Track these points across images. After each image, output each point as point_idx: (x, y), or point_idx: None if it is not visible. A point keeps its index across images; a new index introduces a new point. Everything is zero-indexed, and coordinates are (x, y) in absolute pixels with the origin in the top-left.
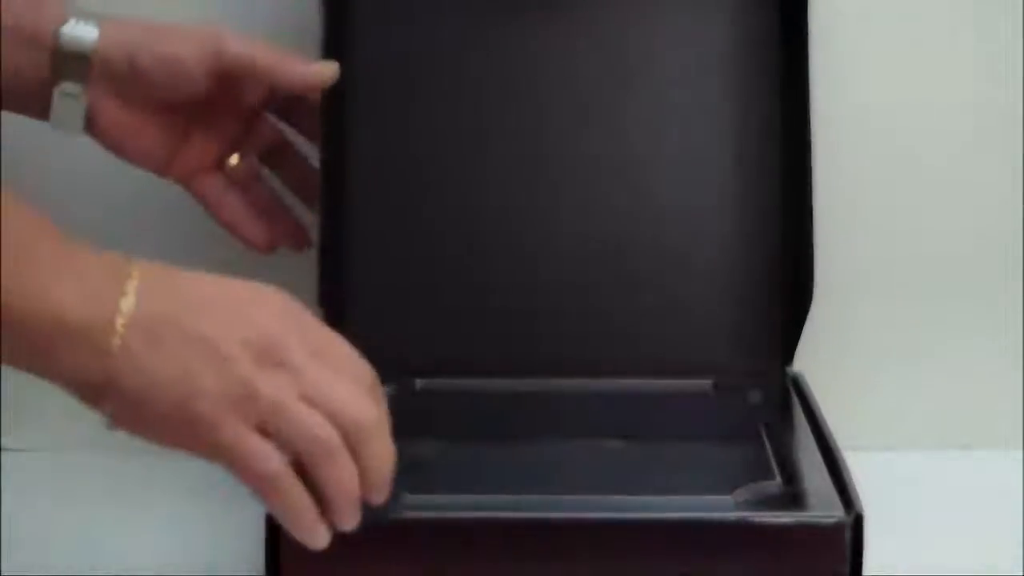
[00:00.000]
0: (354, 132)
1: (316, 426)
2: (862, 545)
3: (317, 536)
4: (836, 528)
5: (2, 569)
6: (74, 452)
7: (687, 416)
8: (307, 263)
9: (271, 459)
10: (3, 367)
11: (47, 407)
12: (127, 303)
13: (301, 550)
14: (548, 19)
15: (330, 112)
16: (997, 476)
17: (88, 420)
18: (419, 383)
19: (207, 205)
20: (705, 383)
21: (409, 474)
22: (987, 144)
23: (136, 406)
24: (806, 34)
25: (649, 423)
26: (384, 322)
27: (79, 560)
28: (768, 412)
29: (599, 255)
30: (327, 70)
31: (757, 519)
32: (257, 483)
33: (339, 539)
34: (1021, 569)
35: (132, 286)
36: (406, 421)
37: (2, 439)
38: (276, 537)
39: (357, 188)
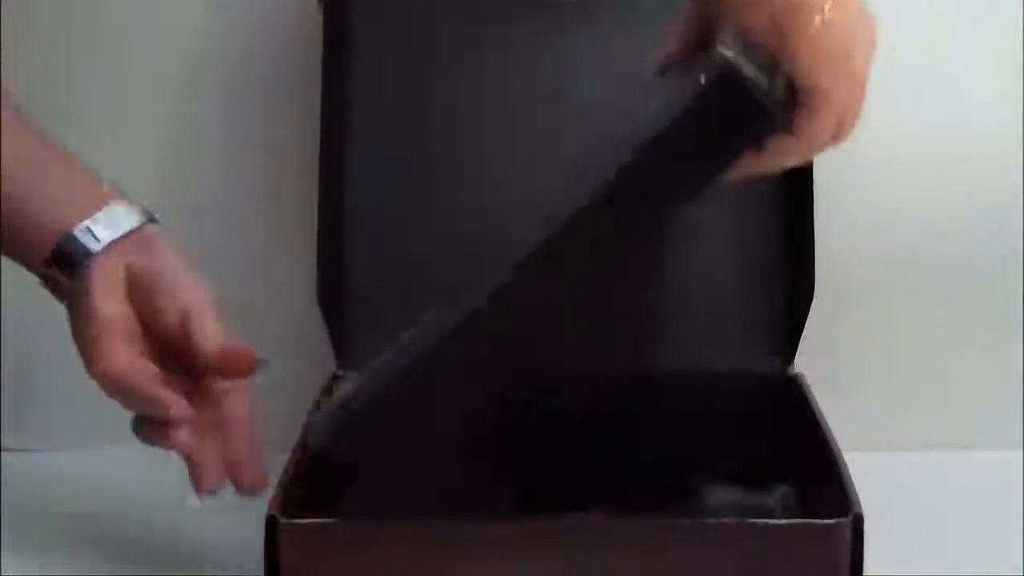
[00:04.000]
0: (352, 132)
1: None
2: (862, 545)
3: None
4: (836, 528)
5: (2, 569)
6: (74, 452)
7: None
8: (305, 263)
9: None
10: (2, 367)
11: (47, 407)
12: None
13: (300, 549)
14: (546, 20)
15: (329, 109)
16: (997, 476)
17: (88, 420)
18: None
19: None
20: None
21: None
22: (987, 145)
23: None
24: None
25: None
26: (383, 322)
27: (79, 560)
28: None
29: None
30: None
31: (757, 520)
32: None
33: (337, 537)
34: (1021, 569)
35: None
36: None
37: (2, 439)
38: (275, 537)
39: (355, 188)
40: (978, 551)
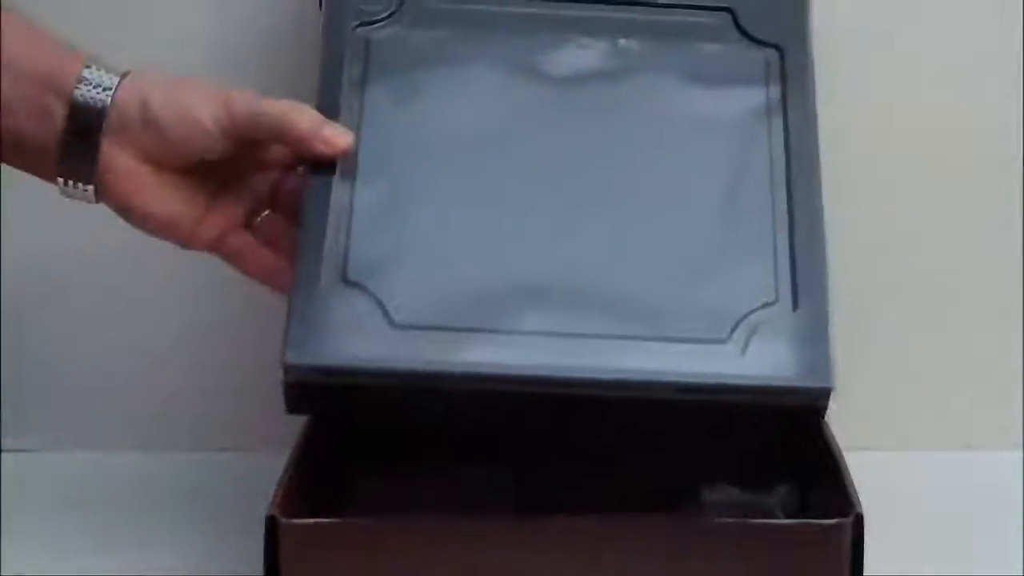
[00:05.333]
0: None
1: None
2: (862, 545)
3: None
4: (836, 528)
5: (2, 569)
6: (74, 452)
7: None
8: None
9: None
10: (2, 367)
11: (47, 407)
12: None
13: (300, 549)
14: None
15: (329, 110)
16: (997, 476)
17: (88, 420)
18: None
19: (236, 263)
20: None
21: None
22: (987, 149)
23: None
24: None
25: None
26: None
27: (79, 560)
28: None
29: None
30: (341, 140)
31: (757, 520)
32: None
33: (337, 537)
34: (1021, 569)
35: None
36: None
37: (2, 439)
38: (275, 537)
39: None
40: (978, 551)
